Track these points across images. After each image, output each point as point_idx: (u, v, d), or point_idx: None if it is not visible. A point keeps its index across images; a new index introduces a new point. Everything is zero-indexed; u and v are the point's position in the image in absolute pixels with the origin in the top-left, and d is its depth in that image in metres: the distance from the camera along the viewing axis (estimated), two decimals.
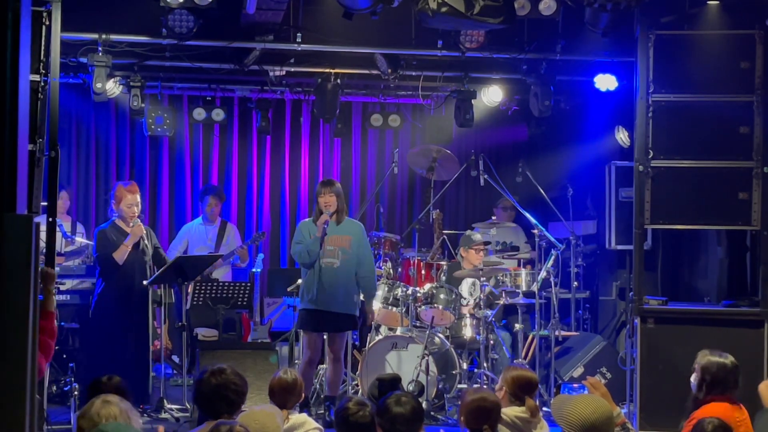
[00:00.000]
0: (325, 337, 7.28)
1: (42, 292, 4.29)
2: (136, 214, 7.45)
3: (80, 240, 8.46)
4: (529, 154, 9.94)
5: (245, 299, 8.06)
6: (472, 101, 8.85)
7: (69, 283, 7.98)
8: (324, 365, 7.54)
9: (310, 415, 6.06)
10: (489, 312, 7.77)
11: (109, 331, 7.35)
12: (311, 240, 7.07)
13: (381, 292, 7.75)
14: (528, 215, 8.35)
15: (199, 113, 9.18)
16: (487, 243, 8.37)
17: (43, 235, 5.75)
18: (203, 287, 7.98)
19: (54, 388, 7.45)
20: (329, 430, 5.65)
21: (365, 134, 10.29)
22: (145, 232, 7.45)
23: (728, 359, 4.49)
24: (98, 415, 3.30)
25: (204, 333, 8.65)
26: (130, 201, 7.42)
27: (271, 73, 8.52)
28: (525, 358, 8.08)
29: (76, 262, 8.20)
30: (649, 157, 6.99)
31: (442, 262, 8.31)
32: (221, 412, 4.12)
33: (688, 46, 7.03)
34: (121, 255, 7.34)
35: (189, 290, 8.06)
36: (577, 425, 3.56)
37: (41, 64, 5.34)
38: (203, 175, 10.11)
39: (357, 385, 7.59)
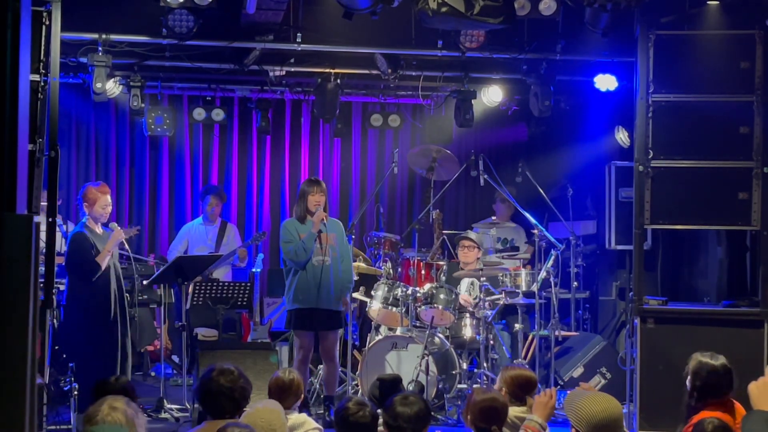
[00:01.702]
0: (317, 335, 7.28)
1: None
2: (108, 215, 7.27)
3: None
4: (529, 154, 9.94)
5: (245, 299, 8.06)
6: (472, 101, 8.86)
7: None
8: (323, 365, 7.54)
9: (309, 415, 6.06)
10: (489, 312, 7.77)
11: (91, 336, 7.16)
12: (306, 237, 7.07)
13: (381, 292, 7.75)
14: (528, 215, 8.35)
15: (199, 113, 9.19)
16: (467, 238, 8.28)
17: (43, 235, 5.76)
18: (203, 287, 7.98)
19: (54, 388, 7.43)
20: (329, 430, 5.65)
21: (365, 134, 10.29)
22: (124, 236, 7.27)
23: (719, 361, 4.39)
24: (104, 422, 3.30)
25: (204, 333, 8.65)
26: (104, 202, 7.19)
27: (271, 73, 8.51)
28: (525, 358, 8.09)
29: None
30: (649, 157, 6.99)
31: (442, 262, 8.30)
32: (225, 412, 4.12)
33: (688, 46, 7.03)
34: (103, 259, 7.12)
35: (189, 290, 8.05)
36: (585, 421, 3.56)
37: (41, 64, 5.34)
38: (203, 175, 10.11)
39: (357, 385, 7.59)
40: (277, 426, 4.05)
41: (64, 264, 7.38)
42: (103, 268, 7.15)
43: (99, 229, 7.26)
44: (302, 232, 7.10)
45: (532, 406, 4.55)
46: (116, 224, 7.29)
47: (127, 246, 7.36)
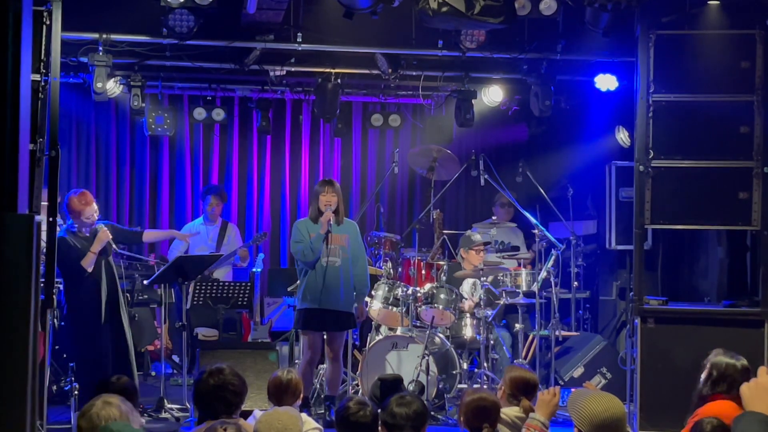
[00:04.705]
0: (324, 336, 7.29)
1: None
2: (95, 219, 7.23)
3: None
4: (529, 154, 9.94)
5: (245, 299, 8.06)
6: (473, 101, 8.85)
7: None
8: (324, 365, 7.54)
9: (310, 415, 6.06)
10: (489, 312, 7.78)
11: (84, 337, 7.15)
12: (314, 238, 7.06)
13: (381, 292, 7.75)
14: (528, 215, 8.35)
15: (199, 113, 9.19)
16: (487, 243, 8.37)
17: (43, 235, 5.76)
18: (203, 287, 7.98)
19: (54, 388, 7.44)
20: (329, 430, 5.65)
21: (365, 134, 10.29)
22: (111, 237, 7.19)
23: (740, 361, 4.46)
24: (98, 416, 3.29)
25: (204, 333, 8.65)
26: (89, 212, 7.15)
27: (271, 73, 8.52)
28: (525, 358, 8.09)
29: None
30: (650, 157, 6.99)
31: (443, 262, 8.31)
32: (219, 413, 4.11)
33: (688, 46, 7.03)
34: (89, 262, 7.09)
35: (189, 290, 8.05)
36: (587, 420, 3.56)
37: (42, 63, 5.35)
38: (203, 175, 10.11)
39: (357, 385, 7.59)
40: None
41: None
42: (89, 269, 7.10)
43: (83, 233, 7.18)
44: (313, 231, 7.09)
45: (525, 408, 4.58)
46: (102, 225, 7.21)
47: (114, 246, 7.25)
